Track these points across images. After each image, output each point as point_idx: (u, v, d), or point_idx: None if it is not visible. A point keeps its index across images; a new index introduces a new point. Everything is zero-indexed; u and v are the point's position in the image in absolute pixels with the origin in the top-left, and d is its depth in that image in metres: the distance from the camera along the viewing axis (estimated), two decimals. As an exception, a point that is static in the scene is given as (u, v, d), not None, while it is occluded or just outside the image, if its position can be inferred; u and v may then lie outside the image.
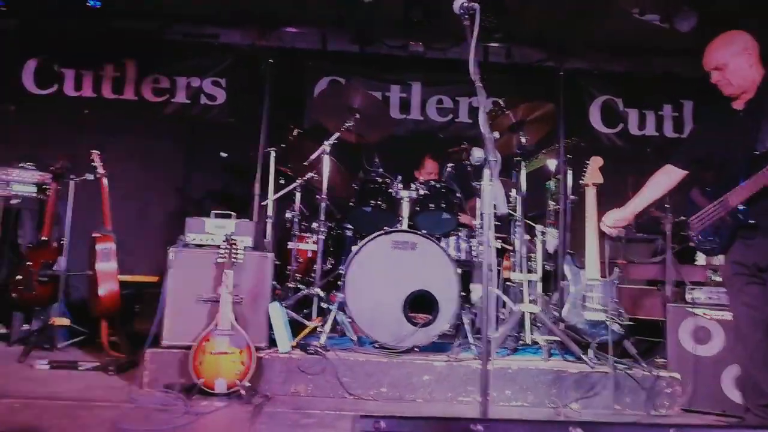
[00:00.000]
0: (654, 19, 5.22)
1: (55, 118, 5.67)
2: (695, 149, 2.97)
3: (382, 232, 3.65)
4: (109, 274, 4.06)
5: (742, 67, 2.66)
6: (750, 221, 2.59)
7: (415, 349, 3.53)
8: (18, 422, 2.56)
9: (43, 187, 4.48)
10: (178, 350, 3.24)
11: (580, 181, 3.92)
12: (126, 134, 5.71)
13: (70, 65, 5.78)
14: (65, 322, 4.09)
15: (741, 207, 2.61)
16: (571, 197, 4.29)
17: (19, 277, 4.21)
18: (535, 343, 3.73)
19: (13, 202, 4.30)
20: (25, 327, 4.32)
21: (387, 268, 3.57)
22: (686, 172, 2.98)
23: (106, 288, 4.03)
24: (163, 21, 5.82)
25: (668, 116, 6.28)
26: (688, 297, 3.49)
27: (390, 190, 4.00)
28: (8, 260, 4.46)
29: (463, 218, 4.31)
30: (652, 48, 5.99)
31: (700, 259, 4.13)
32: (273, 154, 4.48)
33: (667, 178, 3.03)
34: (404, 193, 3.96)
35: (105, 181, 4.31)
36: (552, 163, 4.57)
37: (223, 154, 5.01)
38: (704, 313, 3.37)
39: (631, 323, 3.67)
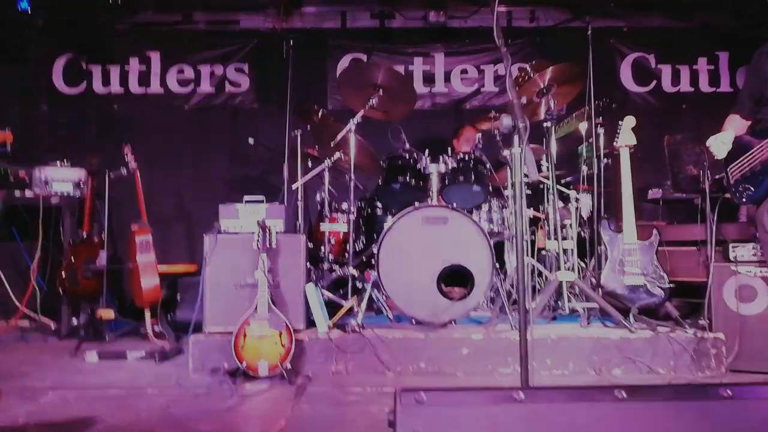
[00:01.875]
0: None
1: (86, 115, 5.80)
2: (753, 91, 2.84)
3: (412, 208, 3.64)
4: (148, 265, 4.17)
5: None
6: None
7: (453, 323, 3.53)
8: (71, 413, 2.67)
9: (80, 184, 4.60)
10: (220, 336, 3.32)
11: (614, 143, 3.81)
12: (155, 126, 5.80)
13: (96, 61, 5.88)
14: (110, 314, 4.23)
15: None
16: (605, 160, 4.17)
17: (64, 273, 4.36)
18: (574, 311, 3.68)
19: (54, 201, 4.43)
20: (73, 321, 4.49)
21: (419, 244, 3.56)
22: (749, 121, 2.86)
23: (147, 279, 4.15)
24: (185, 11, 5.85)
25: (703, 70, 6.01)
26: (731, 255, 3.38)
27: (418, 166, 3.96)
28: (53, 258, 4.61)
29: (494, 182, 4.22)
30: (683, 0, 5.73)
31: (743, 215, 3.99)
32: (299, 136, 4.49)
33: (732, 126, 2.91)
34: (432, 168, 3.92)
35: (138, 174, 4.40)
36: (583, 127, 4.45)
37: (251, 140, 5.03)
38: (748, 271, 3.27)
39: (672, 285, 3.58)
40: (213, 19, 5.94)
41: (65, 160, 4.60)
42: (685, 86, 6.02)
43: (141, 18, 5.86)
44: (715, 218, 3.39)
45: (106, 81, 5.89)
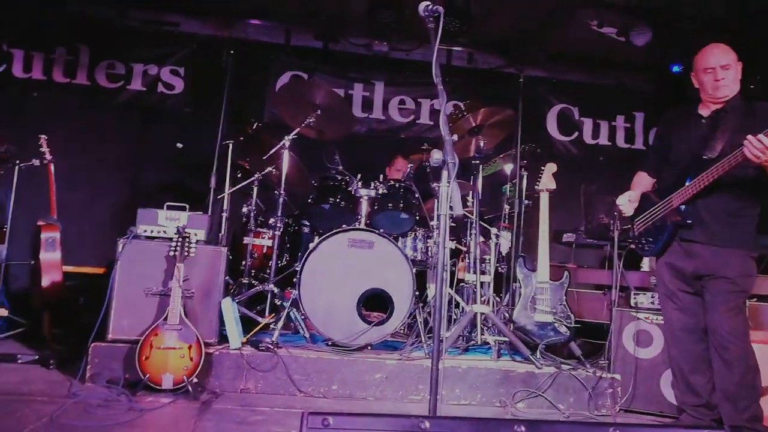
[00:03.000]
0: (611, 32, 5.41)
1: (1, 99, 5.42)
2: (660, 151, 3.05)
3: (339, 229, 3.65)
4: (53, 264, 3.91)
5: (737, 75, 2.78)
6: (688, 221, 2.71)
7: (368, 347, 3.54)
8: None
9: (-15, 171, 4.28)
10: (124, 344, 3.15)
11: (535, 186, 4.02)
12: (77, 120, 5.53)
13: (19, 45, 5.54)
14: (4, 312, 3.92)
15: (682, 207, 2.72)
16: (526, 201, 4.39)
17: (-45, 264, 4.01)
18: (485, 343, 3.80)
19: (-48, 186, 4.09)
20: (-40, 317, 4.11)
21: (343, 266, 3.57)
22: (654, 179, 3.08)
23: (50, 278, 3.88)
24: (122, 7, 5.66)
25: (621, 127, 6.51)
26: (632, 301, 3.62)
27: (349, 188, 4.00)
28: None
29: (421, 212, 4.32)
30: (608, 60, 6.20)
31: (645, 265, 4.30)
32: (231, 146, 4.41)
33: (640, 183, 3.13)
34: (363, 192, 3.97)
35: (52, 167, 4.15)
36: (509, 168, 4.67)
37: (179, 145, 4.90)
38: (646, 317, 3.51)
39: (577, 326, 3.78)
40: (152, 19, 5.77)
41: (-30, 144, 4.28)
42: (603, 140, 6.47)
43: (74, 8, 5.60)
44: (621, 266, 3.62)
45: (27, 67, 5.56)
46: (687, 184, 2.71)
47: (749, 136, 2.41)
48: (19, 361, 3.44)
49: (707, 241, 2.70)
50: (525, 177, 4.44)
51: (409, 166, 4.35)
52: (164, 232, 3.39)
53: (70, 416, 2.59)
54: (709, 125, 2.80)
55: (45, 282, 3.86)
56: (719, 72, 2.74)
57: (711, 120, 2.81)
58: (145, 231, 3.39)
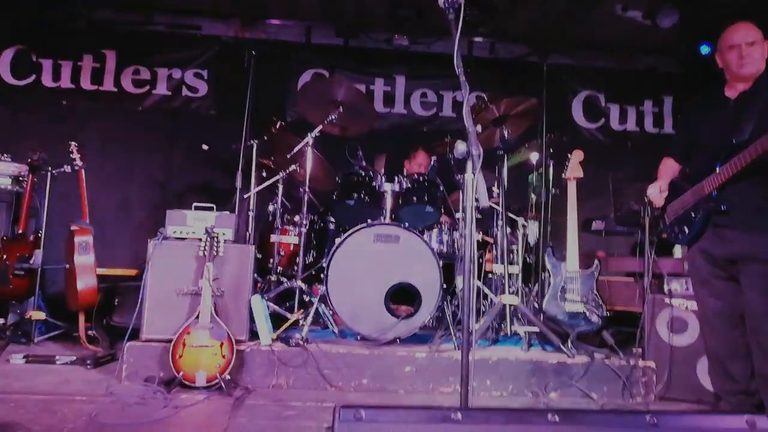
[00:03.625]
0: (636, 15, 5.29)
1: (33, 108, 5.59)
2: (686, 136, 2.98)
3: (364, 224, 3.65)
4: (87, 267, 4.01)
5: (764, 53, 2.69)
6: (722, 207, 2.63)
7: (397, 340, 3.54)
8: (-7, 416, 2.52)
9: (20, 178, 4.41)
10: (157, 344, 3.22)
11: (562, 175, 3.96)
12: (105, 125, 5.66)
13: (48, 56, 5.69)
14: (41, 316, 4.03)
15: (714, 193, 2.65)
16: (553, 190, 4.32)
17: (-6, 270, 4.13)
18: (515, 334, 3.76)
19: (-11, 194, 4.22)
20: (1, 321, 4.24)
21: (369, 261, 3.58)
22: (682, 166, 3.01)
23: (84, 281, 3.98)
24: (146, 12, 5.76)
25: (649, 112, 6.36)
26: (665, 288, 3.54)
27: (373, 183, 4.00)
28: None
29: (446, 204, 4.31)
30: (634, 45, 6.07)
31: (677, 251, 4.20)
32: (255, 146, 4.45)
33: (668, 170, 3.06)
34: (387, 186, 3.96)
35: (83, 173, 4.25)
36: (534, 157, 4.61)
37: (205, 147, 4.95)
38: (680, 304, 3.43)
39: (609, 314, 3.72)
40: (175, 23, 5.86)
41: (5, 153, 4.40)
42: (631, 125, 6.34)
43: (100, 15, 5.72)
44: (653, 252, 3.54)
45: (56, 76, 5.71)
46: (717, 170, 2.63)
47: None
48: (58, 363, 3.54)
49: (740, 226, 2.62)
50: (551, 166, 4.38)
51: (433, 159, 4.33)
52: (193, 232, 3.45)
53: (108, 414, 2.66)
54: (736, 107, 2.71)
55: (80, 285, 3.96)
56: (744, 48, 2.66)
57: (738, 102, 2.72)
58: (175, 232, 3.46)
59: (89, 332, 4.04)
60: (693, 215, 2.78)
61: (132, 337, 3.27)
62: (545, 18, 5.66)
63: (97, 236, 4.15)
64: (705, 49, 5.49)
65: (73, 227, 4.08)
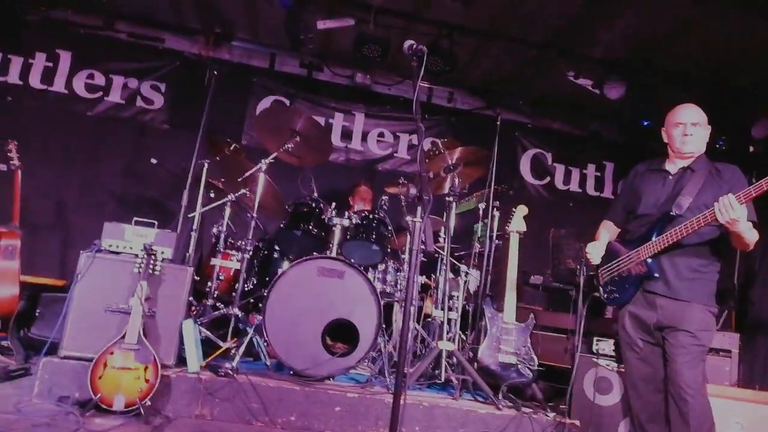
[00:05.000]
0: (587, 83, 5.61)
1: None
2: (626, 203, 3.15)
3: (310, 257, 3.62)
4: (9, 272, 3.78)
5: (706, 135, 2.92)
6: (654, 274, 2.78)
7: (330, 378, 3.49)
8: None
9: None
10: (77, 361, 3.04)
11: (506, 227, 4.08)
12: (50, 127, 5.44)
13: (-3, 48, 5.47)
14: (-48, 321, 3.75)
15: (649, 260, 2.80)
16: (496, 241, 4.44)
17: None
18: (449, 381, 3.78)
19: None
20: None
21: (310, 294, 3.54)
22: (620, 230, 3.17)
23: (4, 288, 3.74)
24: (110, 17, 5.64)
25: (591, 175, 6.70)
26: (594, 348, 3.66)
27: (323, 216, 3.99)
28: None
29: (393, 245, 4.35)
30: (583, 110, 6.41)
31: (609, 312, 4.37)
32: (206, 166, 4.38)
33: (606, 232, 3.21)
34: (337, 220, 3.96)
35: (19, 173, 4.05)
36: (481, 207, 4.73)
37: (154, 161, 4.83)
38: (607, 365, 3.55)
39: (540, 368, 3.80)
40: (137, 33, 5.77)
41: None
42: (574, 186, 6.64)
43: (57, 15, 5.57)
44: (585, 311, 3.67)
45: (4, 70, 5.47)
46: (654, 239, 2.79)
47: (721, 197, 2.51)
48: (-37, 373, 3.29)
49: (670, 294, 2.77)
50: (497, 217, 4.51)
51: (385, 198, 4.37)
52: (130, 248, 3.31)
53: (13, 434, 2.48)
54: (675, 181, 2.90)
55: (-1, 291, 3.72)
56: (689, 128, 2.87)
57: (678, 177, 2.91)
58: (110, 245, 3.31)
59: (3, 343, 3.78)
60: (626, 278, 2.92)
61: (50, 352, 3.08)
62: (501, 75, 5.93)
63: (26, 241, 3.94)
64: (646, 123, 5.87)
65: (1, 229, 3.85)
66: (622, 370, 3.43)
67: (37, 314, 3.91)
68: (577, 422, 3.45)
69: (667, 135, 2.98)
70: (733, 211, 2.48)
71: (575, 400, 3.55)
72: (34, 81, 5.52)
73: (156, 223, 3.46)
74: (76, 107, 5.59)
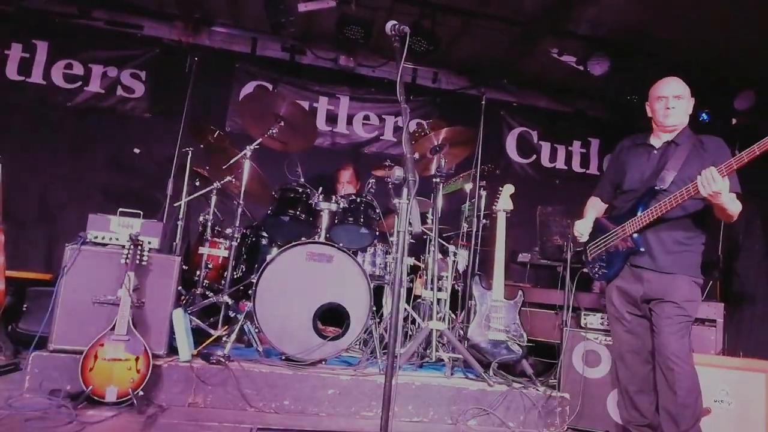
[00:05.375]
0: (570, 60, 5.60)
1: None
2: (612, 179, 3.17)
3: (298, 242, 3.62)
4: (-5, 268, 3.74)
5: (688, 107, 2.93)
6: (641, 249, 2.81)
7: (323, 362, 3.51)
8: None
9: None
10: (67, 355, 3.03)
11: (493, 207, 4.09)
12: (29, 119, 5.34)
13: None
14: (-63, 317, 3.71)
15: (635, 235, 2.83)
16: (484, 221, 4.46)
17: None
18: (440, 360, 3.82)
19: None
20: None
21: (300, 280, 3.54)
22: (607, 205, 3.19)
23: (-9, 283, 3.71)
24: (85, 5, 5.52)
25: (577, 152, 6.72)
26: (582, 322, 3.71)
27: (310, 201, 3.98)
28: None
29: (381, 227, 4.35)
30: (567, 88, 6.40)
31: (596, 287, 4.42)
32: (190, 154, 4.33)
33: (593, 208, 3.23)
34: (324, 205, 3.96)
35: (0, 167, 3.98)
36: (468, 187, 4.74)
37: (137, 150, 4.77)
38: (595, 338, 3.60)
39: (530, 344, 3.85)
40: (114, 20, 5.66)
41: None
42: (560, 163, 6.66)
43: (31, 3, 5.44)
44: (573, 287, 3.71)
45: (-22, 61, 5.36)
46: (639, 213, 2.81)
47: (704, 171, 2.53)
48: (-48, 370, 3.26)
49: (656, 267, 2.81)
50: (484, 197, 4.52)
51: (371, 181, 4.36)
52: (117, 239, 3.29)
53: (5, 429, 2.47)
54: (660, 156, 2.92)
55: (-15, 287, 3.68)
56: (671, 101, 2.89)
57: (662, 151, 2.93)
58: (96, 237, 3.29)
59: (-9, 338, 3.75)
60: (613, 254, 2.95)
61: (39, 346, 3.07)
62: (486, 53, 5.90)
63: (10, 236, 3.89)
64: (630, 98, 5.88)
65: (-17, 225, 3.80)
66: (610, 343, 3.48)
67: (24, 309, 3.89)
68: (567, 395, 3.51)
69: (650, 109, 3.00)
70: (715, 184, 2.50)
71: (565, 374, 3.60)
72: (11, 73, 5.41)
73: (141, 213, 3.43)
74: (56, 98, 5.49)
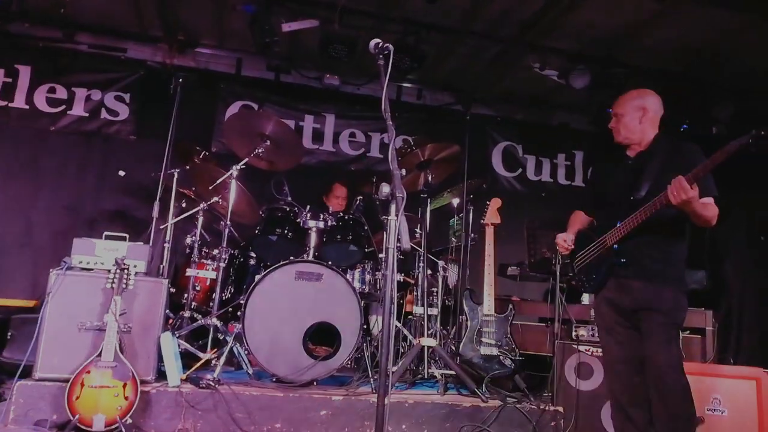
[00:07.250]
0: (552, 74, 5.67)
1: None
2: (594, 191, 3.20)
3: (287, 261, 3.60)
4: (-23, 296, 3.67)
5: (633, 121, 2.94)
6: (621, 260, 2.83)
7: (314, 383, 3.47)
8: None
9: None
10: (52, 383, 2.97)
11: (481, 221, 4.11)
12: (12, 144, 5.28)
13: (-50, 65, 5.30)
14: None
15: (615, 246, 2.85)
16: (472, 235, 4.47)
17: None
18: (432, 376, 3.80)
19: None
20: None
21: (289, 299, 3.51)
22: (591, 218, 3.21)
23: (-27, 312, 3.63)
24: (68, 29, 5.51)
25: (561, 164, 6.78)
26: (573, 334, 3.71)
27: (298, 220, 3.96)
28: None
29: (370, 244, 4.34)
30: (550, 101, 6.49)
31: (586, 299, 4.43)
32: (176, 175, 4.31)
33: (575, 221, 3.25)
34: (312, 223, 3.94)
35: (-18, 193, 3.93)
36: (456, 202, 4.76)
37: (122, 173, 4.74)
38: (587, 350, 3.60)
39: (521, 358, 3.84)
40: (98, 43, 5.64)
41: None
42: (545, 176, 6.72)
43: (14, 28, 5.41)
44: (563, 299, 3.72)
45: (-41, 87, 5.31)
46: (618, 225, 2.84)
47: (673, 179, 2.55)
48: (-67, 402, 3.18)
49: (640, 277, 2.82)
50: (471, 211, 4.54)
51: (359, 198, 4.36)
52: (102, 263, 3.25)
53: (-11, 462, 2.40)
54: (634, 167, 2.96)
55: (-33, 315, 3.61)
56: (613, 119, 2.95)
57: (635, 162, 2.97)
58: (81, 262, 3.24)
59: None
60: (596, 265, 2.97)
61: (24, 375, 3.00)
62: (469, 69, 5.96)
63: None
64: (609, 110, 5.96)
65: (-35, 252, 3.74)
66: (602, 354, 3.48)
67: (8, 337, 3.80)
68: (561, 409, 3.50)
69: None
70: (684, 193, 2.52)
71: (558, 387, 3.59)
72: (-7, 97, 5.37)
73: (127, 236, 3.40)
74: (39, 122, 5.44)
